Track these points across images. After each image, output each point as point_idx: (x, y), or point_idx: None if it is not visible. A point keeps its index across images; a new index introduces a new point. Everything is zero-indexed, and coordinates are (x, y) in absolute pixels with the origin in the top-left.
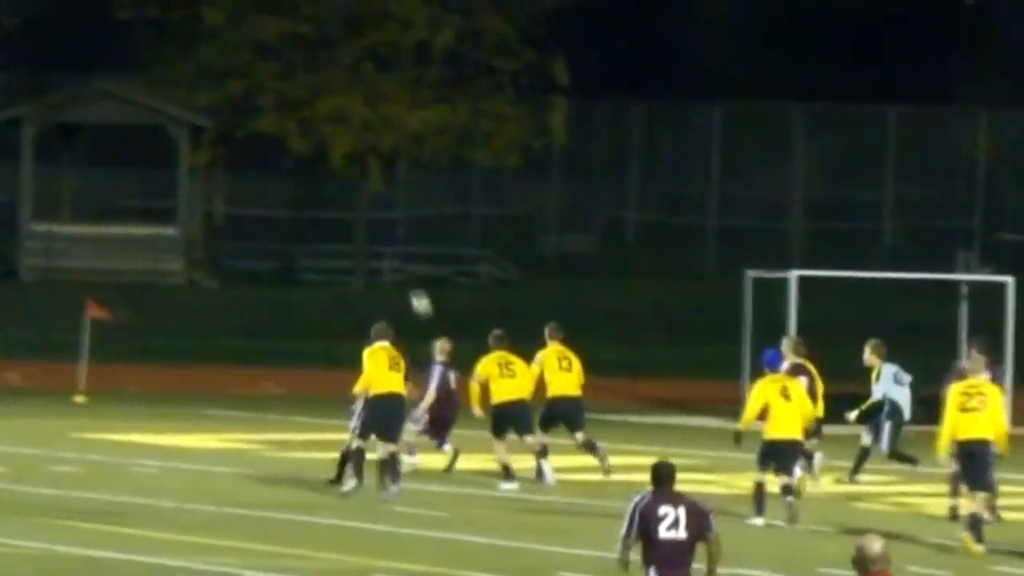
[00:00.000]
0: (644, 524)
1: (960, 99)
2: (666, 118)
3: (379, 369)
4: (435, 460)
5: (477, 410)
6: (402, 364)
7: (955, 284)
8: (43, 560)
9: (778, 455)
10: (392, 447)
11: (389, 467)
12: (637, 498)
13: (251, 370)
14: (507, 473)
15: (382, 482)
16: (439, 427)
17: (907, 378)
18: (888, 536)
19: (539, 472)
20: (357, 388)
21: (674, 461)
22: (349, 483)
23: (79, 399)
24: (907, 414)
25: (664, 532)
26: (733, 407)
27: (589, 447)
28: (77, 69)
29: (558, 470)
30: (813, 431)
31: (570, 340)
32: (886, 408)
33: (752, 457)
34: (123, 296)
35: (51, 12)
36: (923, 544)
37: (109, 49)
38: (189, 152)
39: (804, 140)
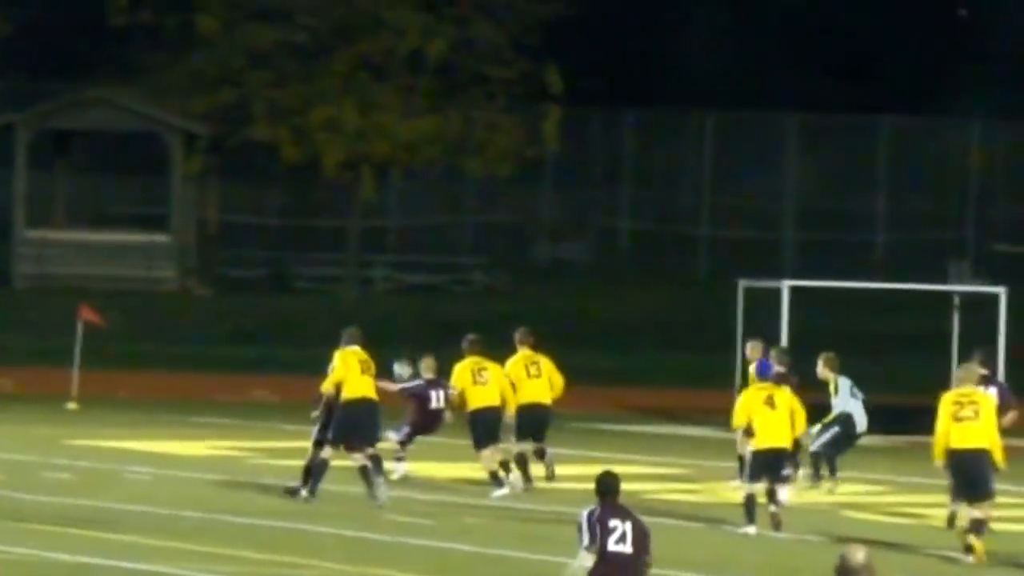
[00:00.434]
0: (595, 536)
1: (953, 110)
2: (659, 127)
3: (351, 372)
4: (425, 468)
5: (449, 417)
6: (373, 369)
7: (948, 295)
8: (35, 567)
9: (767, 465)
10: (371, 451)
11: (373, 470)
12: (588, 510)
13: (243, 377)
14: (496, 480)
15: (370, 489)
16: (415, 436)
17: (859, 394)
18: (877, 545)
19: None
20: (325, 386)
21: (662, 471)
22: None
23: (71, 406)
24: (859, 427)
25: (613, 545)
26: (724, 416)
27: (539, 453)
28: (71, 76)
29: (557, 478)
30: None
31: (562, 348)
32: (839, 417)
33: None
34: (116, 303)
35: (45, 19)
36: (913, 553)
37: (103, 56)
38: (182, 159)
39: (796, 150)
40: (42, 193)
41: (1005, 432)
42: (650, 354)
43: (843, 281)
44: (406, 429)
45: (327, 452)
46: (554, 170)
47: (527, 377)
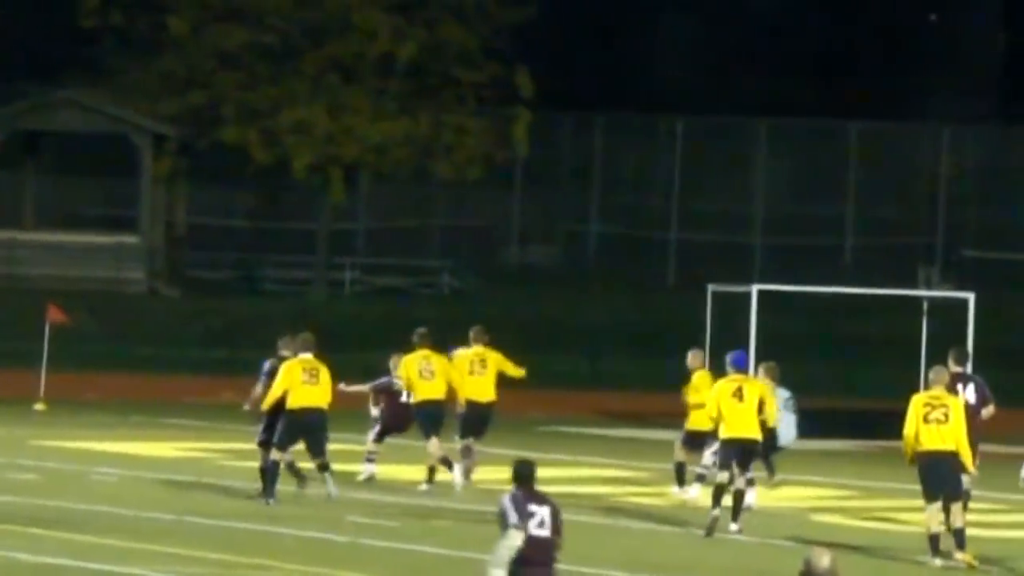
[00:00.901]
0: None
1: (922, 116)
2: (628, 131)
3: (294, 382)
4: (390, 471)
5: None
6: (321, 376)
7: (916, 300)
8: (2, 568)
9: (735, 455)
10: (321, 460)
11: (323, 474)
12: (509, 494)
13: (211, 379)
14: (448, 465)
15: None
16: (385, 435)
17: (793, 408)
18: (843, 549)
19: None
20: (265, 404)
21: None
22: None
23: (39, 407)
24: (782, 440)
25: (534, 529)
26: None
27: (465, 451)
28: (41, 77)
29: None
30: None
31: (530, 352)
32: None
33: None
34: (84, 304)
35: (16, 20)
36: (879, 557)
37: (73, 58)
38: (152, 161)
39: (766, 155)
40: (11, 194)
41: (984, 428)
42: (619, 358)
43: (812, 286)
44: (377, 427)
45: (276, 454)
46: (523, 174)
47: (469, 375)
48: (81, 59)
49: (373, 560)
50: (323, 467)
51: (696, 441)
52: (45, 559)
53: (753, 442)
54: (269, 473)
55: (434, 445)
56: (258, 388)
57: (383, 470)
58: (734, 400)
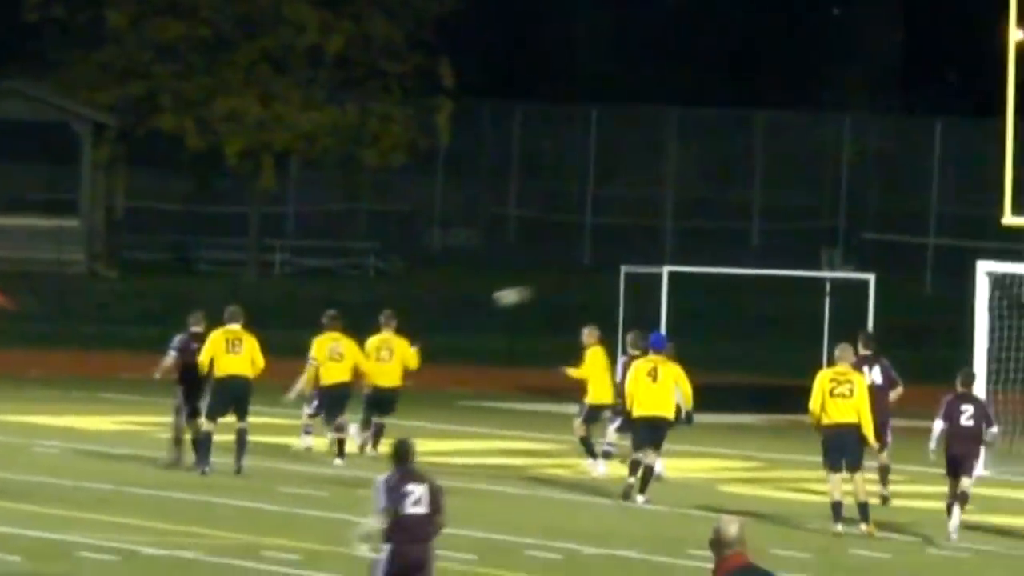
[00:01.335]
0: (392, 500)
1: (826, 106)
2: (546, 119)
3: (218, 351)
4: (321, 443)
5: (299, 390)
6: (245, 346)
7: (820, 280)
8: None
9: (647, 432)
10: (242, 425)
11: (238, 441)
12: (384, 476)
13: (147, 356)
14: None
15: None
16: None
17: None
18: (751, 518)
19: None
20: (200, 361)
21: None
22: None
23: None
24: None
25: (409, 508)
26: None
27: (365, 424)
28: None
29: (450, 453)
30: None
31: (452, 331)
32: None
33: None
34: (27, 285)
35: None
36: (785, 526)
37: (18, 50)
38: (92, 148)
39: (677, 143)
40: None
41: (893, 408)
42: (537, 336)
43: (720, 267)
44: (315, 402)
45: (207, 424)
46: (446, 160)
47: (376, 360)
48: (25, 52)
49: (304, 529)
50: (241, 435)
51: (595, 415)
52: None
53: (665, 420)
54: (203, 443)
55: (338, 424)
56: (167, 360)
57: (317, 443)
58: (648, 380)
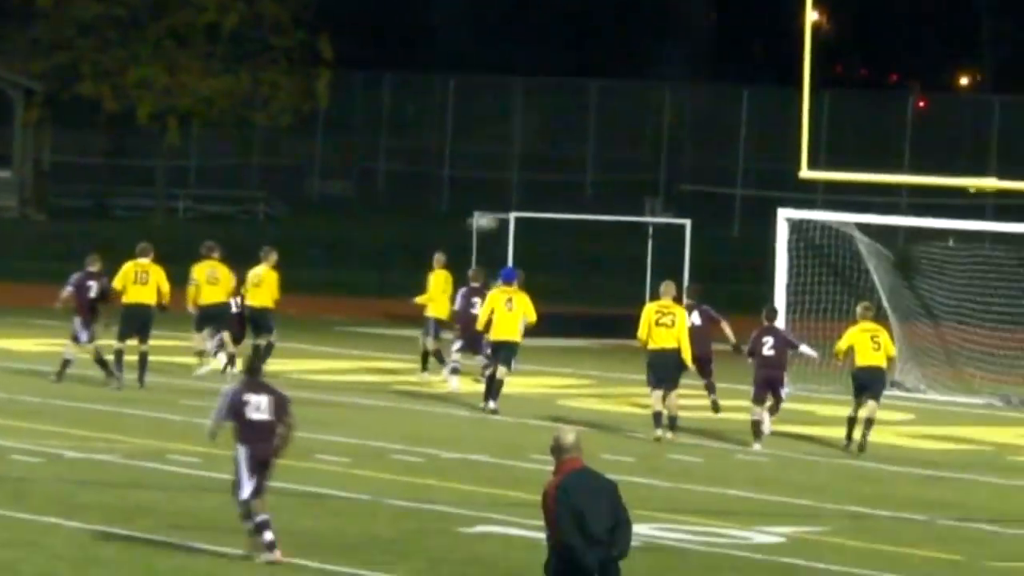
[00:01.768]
0: (235, 408)
1: (650, 75)
2: (410, 86)
3: (127, 282)
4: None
5: (191, 308)
6: (152, 277)
7: (644, 225)
8: None
9: (500, 352)
10: (143, 347)
11: (140, 362)
12: (230, 387)
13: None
14: (201, 357)
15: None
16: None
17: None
18: (585, 427)
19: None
20: (116, 284)
21: (409, 365)
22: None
23: None
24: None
25: (252, 414)
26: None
27: (218, 344)
28: None
29: (328, 371)
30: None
31: (330, 267)
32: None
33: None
34: None
35: None
36: (613, 434)
37: None
38: (23, 111)
39: (522, 106)
40: None
41: (732, 341)
42: (402, 272)
43: (559, 213)
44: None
45: (117, 344)
46: (325, 122)
47: (251, 286)
48: None
49: (203, 435)
50: (142, 355)
51: (438, 329)
52: None
53: (516, 343)
54: (116, 360)
55: (198, 339)
56: (64, 292)
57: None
58: (504, 308)
